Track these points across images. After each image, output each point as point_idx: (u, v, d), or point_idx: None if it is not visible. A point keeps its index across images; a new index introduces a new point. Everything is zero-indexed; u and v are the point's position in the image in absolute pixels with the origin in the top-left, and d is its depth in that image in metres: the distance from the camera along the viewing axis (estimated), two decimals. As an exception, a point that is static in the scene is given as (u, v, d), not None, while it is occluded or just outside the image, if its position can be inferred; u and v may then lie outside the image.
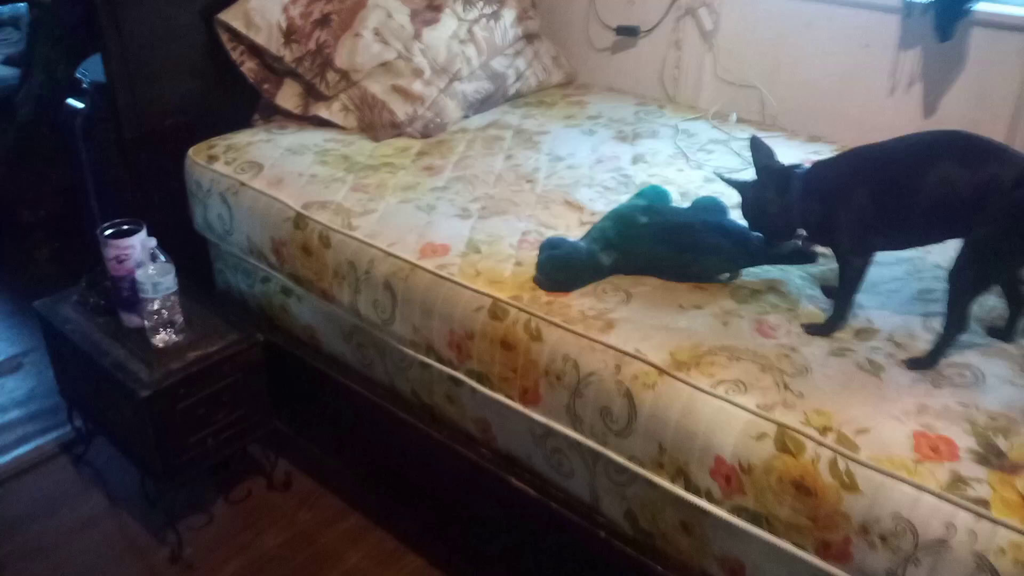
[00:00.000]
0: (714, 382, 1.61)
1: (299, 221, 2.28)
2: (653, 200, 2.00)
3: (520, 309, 1.86)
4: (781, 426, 1.51)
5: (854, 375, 1.61)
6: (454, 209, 2.25)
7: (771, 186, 1.75)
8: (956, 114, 2.56)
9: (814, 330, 1.75)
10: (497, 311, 1.88)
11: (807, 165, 1.82)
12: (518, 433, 1.92)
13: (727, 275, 1.90)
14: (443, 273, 1.99)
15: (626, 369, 1.69)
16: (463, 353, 1.94)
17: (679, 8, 3.00)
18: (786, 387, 1.58)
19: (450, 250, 2.06)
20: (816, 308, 1.82)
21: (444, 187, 2.38)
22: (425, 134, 2.70)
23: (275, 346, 2.44)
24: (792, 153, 2.59)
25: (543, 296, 1.87)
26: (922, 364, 1.64)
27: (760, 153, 1.83)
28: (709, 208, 1.95)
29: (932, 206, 1.62)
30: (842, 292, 1.75)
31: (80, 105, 3.10)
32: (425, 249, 2.07)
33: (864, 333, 1.74)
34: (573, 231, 2.15)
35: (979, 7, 2.41)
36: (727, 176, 1.89)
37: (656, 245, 1.88)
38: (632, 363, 1.69)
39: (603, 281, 1.91)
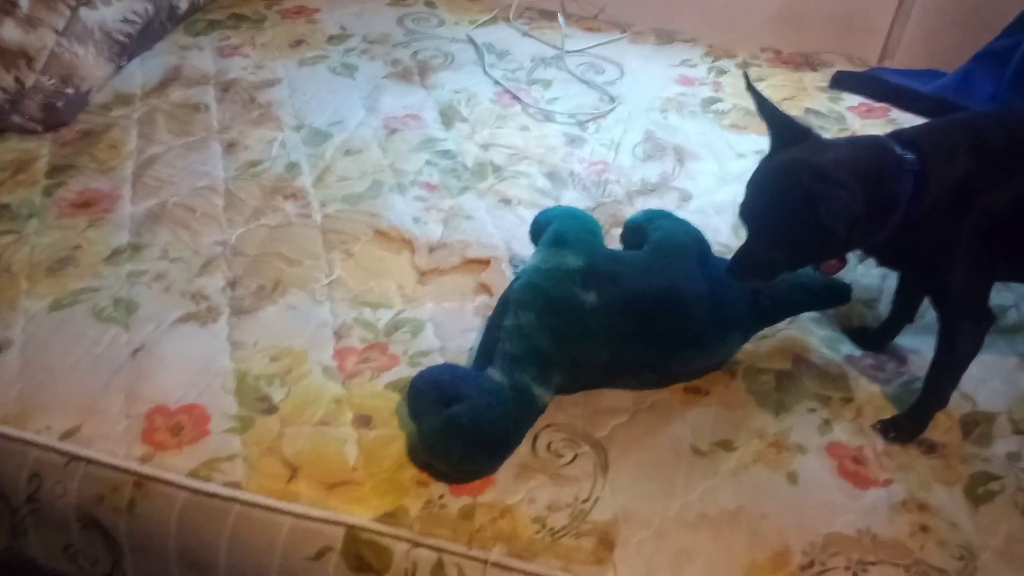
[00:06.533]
0: (854, 636, 0.85)
1: None
2: (587, 247, 1.07)
3: (415, 543, 0.91)
4: None
5: (1032, 532, 0.95)
6: (174, 302, 1.15)
7: (850, 176, 0.90)
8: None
9: (898, 434, 1.04)
10: (365, 552, 0.92)
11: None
12: None
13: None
14: (215, 488, 0.95)
15: (676, 639, 0.87)
16: (301, 627, 0.97)
17: None
18: (969, 605, 0.88)
19: (209, 419, 1.01)
20: (870, 380, 1.11)
21: (133, 247, 1.23)
22: (51, 121, 1.44)
23: None
24: (656, 70, 1.78)
25: (447, 497, 0.94)
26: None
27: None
28: (682, 247, 1.08)
29: None
30: (944, 375, 1.04)
31: None
32: (153, 427, 0.99)
33: (974, 425, 1.06)
34: (413, 295, 1.19)
35: None
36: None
37: (626, 345, 1.01)
38: (684, 624, 0.87)
39: (539, 422, 1.01)
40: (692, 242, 1.09)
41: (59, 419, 1.00)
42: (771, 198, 0.95)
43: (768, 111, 0.99)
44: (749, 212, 0.98)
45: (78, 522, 0.98)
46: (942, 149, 0.96)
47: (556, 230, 1.08)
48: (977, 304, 0.98)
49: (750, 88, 1.02)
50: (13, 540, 1.02)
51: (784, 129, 0.98)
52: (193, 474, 0.96)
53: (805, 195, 0.88)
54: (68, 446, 0.98)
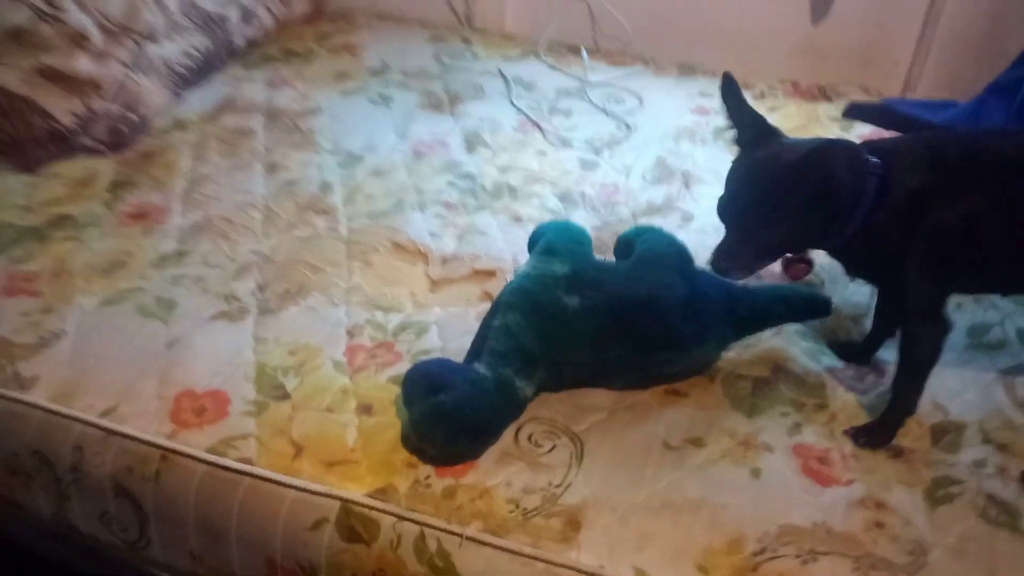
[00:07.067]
0: (800, 619, 0.91)
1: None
2: (574, 256, 1.17)
3: (400, 517, 1.01)
4: None
5: (988, 538, 0.98)
6: (209, 302, 1.28)
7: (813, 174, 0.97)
8: (853, 16, 1.96)
9: (868, 440, 1.09)
10: (356, 524, 1.02)
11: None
12: None
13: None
14: (230, 463, 1.07)
15: (633, 613, 0.94)
16: (301, 593, 1.08)
17: None
18: (915, 596, 0.92)
19: (230, 403, 1.13)
20: (847, 390, 1.17)
21: (178, 253, 1.38)
22: (116, 144, 1.62)
23: None
24: (674, 101, 1.87)
25: (433, 478, 1.04)
26: None
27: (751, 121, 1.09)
28: (663, 258, 1.17)
29: None
30: (908, 381, 1.09)
31: None
32: (180, 408, 1.12)
33: (944, 433, 1.11)
34: (423, 301, 1.30)
35: None
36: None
37: (606, 346, 1.09)
38: (642, 599, 0.94)
39: (524, 416, 1.10)
40: (674, 253, 1.17)
41: (100, 399, 1.14)
42: (757, 188, 1.01)
43: (742, 112, 1.07)
44: (730, 206, 1.04)
45: (112, 490, 1.10)
46: (905, 160, 1.02)
47: (547, 241, 1.18)
48: (933, 312, 1.04)
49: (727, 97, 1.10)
50: (59, 506, 1.16)
51: (756, 128, 1.06)
52: (211, 450, 1.07)
53: (797, 175, 0.95)
54: (106, 422, 1.11)
